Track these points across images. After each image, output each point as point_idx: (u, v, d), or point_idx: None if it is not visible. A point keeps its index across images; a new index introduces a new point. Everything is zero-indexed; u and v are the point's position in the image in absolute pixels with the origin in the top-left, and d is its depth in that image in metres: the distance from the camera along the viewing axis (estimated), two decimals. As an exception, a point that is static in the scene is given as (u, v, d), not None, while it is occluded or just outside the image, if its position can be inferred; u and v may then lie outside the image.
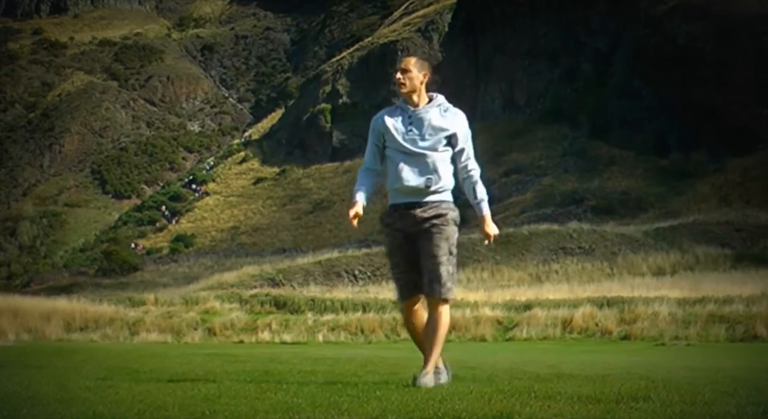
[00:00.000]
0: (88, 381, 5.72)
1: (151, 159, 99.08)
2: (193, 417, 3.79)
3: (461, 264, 36.07)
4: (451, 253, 4.96)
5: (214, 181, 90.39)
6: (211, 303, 23.66)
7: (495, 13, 76.52)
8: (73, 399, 4.49)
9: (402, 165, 4.94)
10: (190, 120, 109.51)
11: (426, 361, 5.00)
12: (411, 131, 4.95)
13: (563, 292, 25.04)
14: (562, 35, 71.48)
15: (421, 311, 5.08)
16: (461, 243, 42.30)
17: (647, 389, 4.89)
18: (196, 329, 21.20)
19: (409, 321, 5.16)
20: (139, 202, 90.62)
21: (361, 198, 5.11)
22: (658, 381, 5.50)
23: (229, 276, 39.17)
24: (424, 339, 5.04)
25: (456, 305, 21.19)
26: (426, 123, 4.96)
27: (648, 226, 41.17)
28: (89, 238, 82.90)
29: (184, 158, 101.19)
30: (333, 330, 20.66)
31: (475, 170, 5.07)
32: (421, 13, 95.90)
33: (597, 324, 18.83)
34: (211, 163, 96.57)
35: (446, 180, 4.99)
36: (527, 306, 20.65)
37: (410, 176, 4.93)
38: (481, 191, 5.08)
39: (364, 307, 22.22)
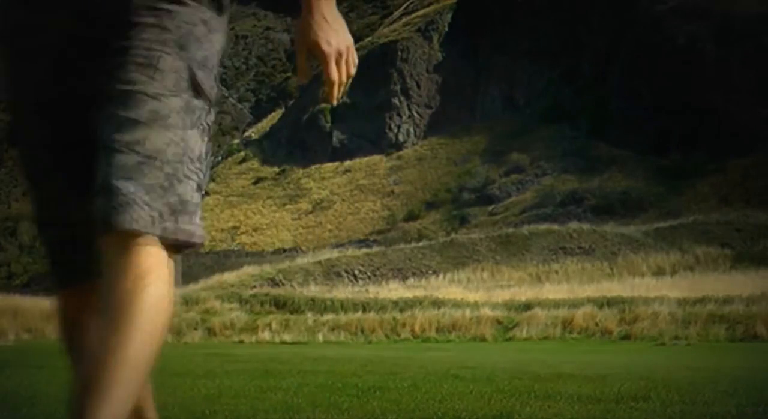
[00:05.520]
0: (88, 381, 5.70)
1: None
2: (193, 416, 3.79)
3: (460, 264, 35.82)
4: (175, 95, 1.53)
5: (213, 181, 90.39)
6: (211, 303, 23.65)
7: (495, 13, 76.59)
8: (73, 399, 4.49)
9: None
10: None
11: None
12: None
13: (563, 292, 25.02)
14: (562, 35, 71.52)
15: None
16: (461, 243, 41.58)
17: (647, 389, 4.89)
18: (196, 329, 21.19)
19: (70, 330, 1.79)
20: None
21: None
22: (658, 381, 5.50)
23: (229, 276, 39.16)
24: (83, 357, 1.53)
25: (456, 305, 21.10)
26: None
27: (648, 226, 41.20)
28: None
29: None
30: (333, 330, 20.66)
31: None
32: (421, 12, 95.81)
33: (597, 324, 18.84)
34: (211, 163, 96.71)
35: None
36: (527, 306, 20.65)
37: None
38: None
39: (364, 307, 22.20)
